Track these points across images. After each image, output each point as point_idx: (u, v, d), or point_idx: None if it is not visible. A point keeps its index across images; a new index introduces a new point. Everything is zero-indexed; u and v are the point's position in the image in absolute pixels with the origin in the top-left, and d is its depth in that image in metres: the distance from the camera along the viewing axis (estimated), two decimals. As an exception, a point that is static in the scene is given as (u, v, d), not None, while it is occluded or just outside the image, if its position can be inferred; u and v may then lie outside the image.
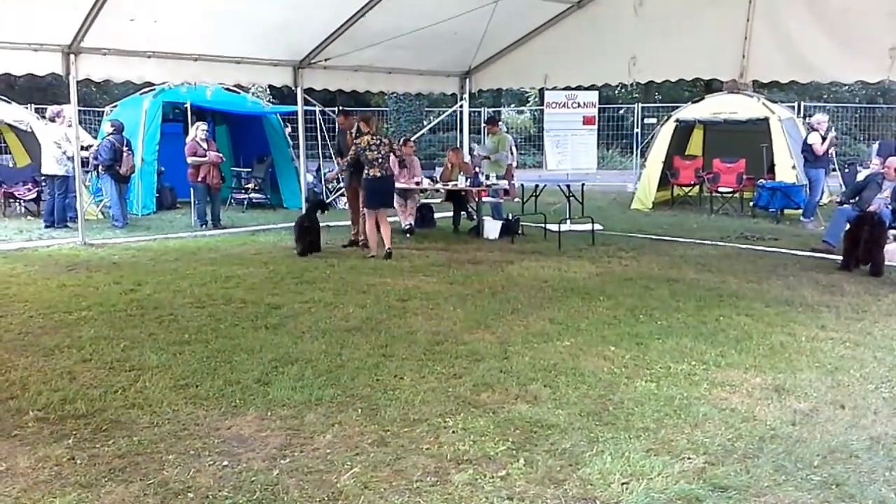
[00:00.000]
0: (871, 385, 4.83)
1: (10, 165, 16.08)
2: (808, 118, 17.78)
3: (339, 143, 10.99)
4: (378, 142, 9.47)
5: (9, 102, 14.85)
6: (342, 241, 10.93)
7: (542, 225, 11.36)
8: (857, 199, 9.72)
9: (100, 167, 12.44)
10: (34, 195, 13.71)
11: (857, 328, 6.19)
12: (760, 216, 13.63)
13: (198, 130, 12.46)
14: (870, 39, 8.46)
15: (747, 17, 9.40)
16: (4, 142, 17.38)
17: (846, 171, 15.00)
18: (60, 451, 3.81)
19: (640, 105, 23.13)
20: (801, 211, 13.04)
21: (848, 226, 8.95)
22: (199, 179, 12.28)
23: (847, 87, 26.20)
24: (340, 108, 12.14)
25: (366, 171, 9.44)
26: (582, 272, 8.52)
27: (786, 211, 13.36)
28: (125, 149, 12.31)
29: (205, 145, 12.40)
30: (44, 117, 13.49)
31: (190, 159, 12.30)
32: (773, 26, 9.25)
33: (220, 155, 12.86)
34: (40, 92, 24.17)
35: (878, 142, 17.67)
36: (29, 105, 18.17)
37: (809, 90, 25.50)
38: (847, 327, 6.21)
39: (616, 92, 26.62)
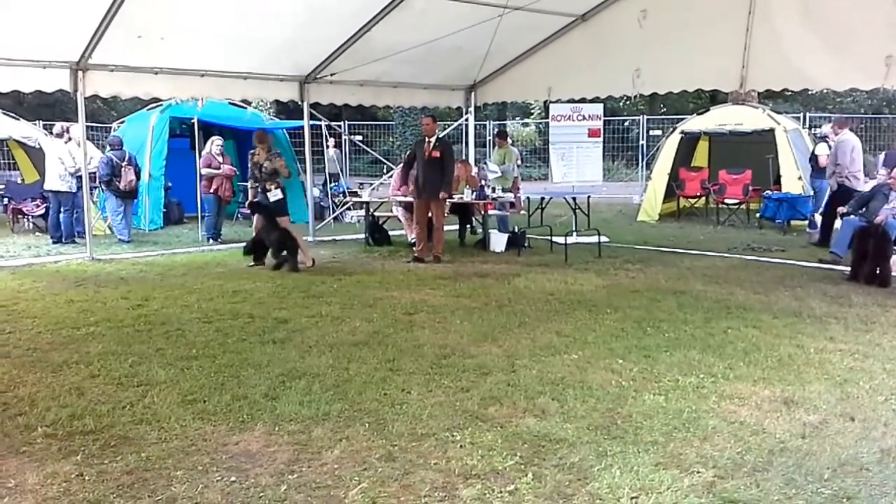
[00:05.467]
0: (881, 397, 4.81)
1: (19, 181, 16.17)
2: (813, 129, 17.82)
3: (414, 151, 10.71)
4: (273, 158, 9.99)
5: (17, 119, 14.98)
6: (346, 254, 10.98)
7: (549, 237, 11.36)
8: (864, 209, 9.69)
9: (101, 183, 12.50)
10: (42, 211, 13.77)
11: (865, 339, 6.16)
12: (767, 227, 13.62)
13: (213, 145, 12.58)
14: (866, 48, 8.53)
15: (747, 28, 9.47)
16: (13, 158, 17.52)
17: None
18: (69, 467, 3.81)
19: (646, 117, 23.15)
20: (807, 222, 13.03)
21: (854, 237, 8.94)
22: (212, 191, 12.36)
23: (852, 98, 26.20)
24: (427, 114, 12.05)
25: (265, 185, 9.92)
26: (589, 284, 8.51)
27: (792, 222, 13.35)
28: (124, 164, 12.33)
29: (220, 158, 12.50)
30: (51, 133, 13.58)
31: (204, 171, 12.40)
32: (771, 36, 9.33)
33: (234, 169, 12.95)
34: (48, 108, 24.35)
35: (884, 152, 17.65)
36: (37, 121, 18.31)
37: (814, 101, 25.52)
38: (856, 339, 6.18)
39: (621, 104, 26.70)
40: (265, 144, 10.07)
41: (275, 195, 9.94)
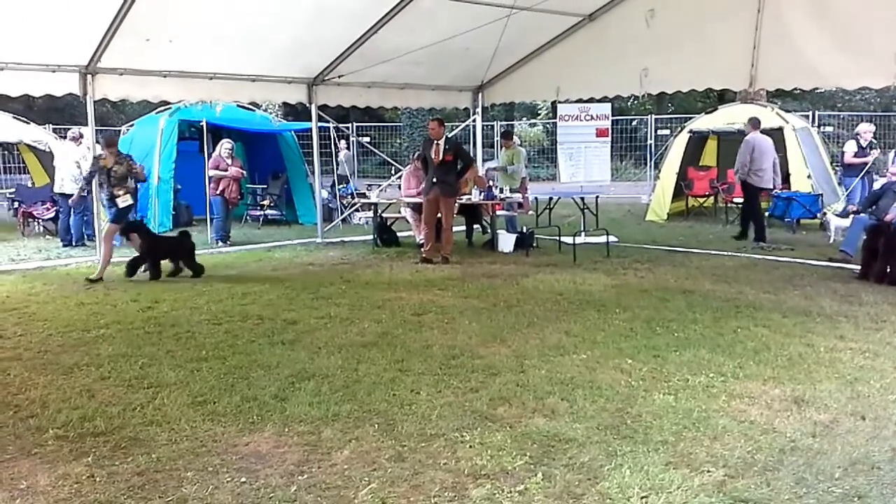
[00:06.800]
0: (892, 396, 4.78)
1: (29, 185, 16.27)
2: (822, 127, 17.78)
3: (424, 154, 10.70)
4: (123, 161, 9.35)
5: (27, 123, 15.06)
6: (355, 255, 11.00)
7: (557, 238, 11.34)
8: (873, 208, 9.65)
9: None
10: (52, 214, 13.85)
11: (876, 338, 6.13)
12: (776, 226, 13.56)
13: (221, 148, 12.65)
14: (875, 46, 8.50)
15: (756, 27, 9.43)
16: (23, 161, 17.62)
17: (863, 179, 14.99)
18: (80, 468, 3.83)
19: (654, 116, 23.10)
20: (817, 221, 13.01)
21: (865, 236, 8.90)
22: (218, 193, 12.41)
23: (861, 96, 26.09)
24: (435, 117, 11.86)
25: (113, 191, 9.26)
26: (597, 284, 8.50)
27: (801, 220, 13.29)
28: None
29: (229, 161, 12.55)
30: (63, 137, 13.65)
31: (211, 172, 12.46)
32: (780, 34, 9.30)
33: (242, 171, 12.99)
34: (58, 112, 24.47)
35: (894, 150, 17.59)
36: (47, 125, 18.41)
37: (823, 99, 25.40)
38: (866, 337, 6.15)
39: (629, 104, 26.63)
40: (113, 148, 9.42)
41: (124, 201, 9.29)
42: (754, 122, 12.31)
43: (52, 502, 3.50)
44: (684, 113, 22.76)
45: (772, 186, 12.41)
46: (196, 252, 9.62)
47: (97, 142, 10.83)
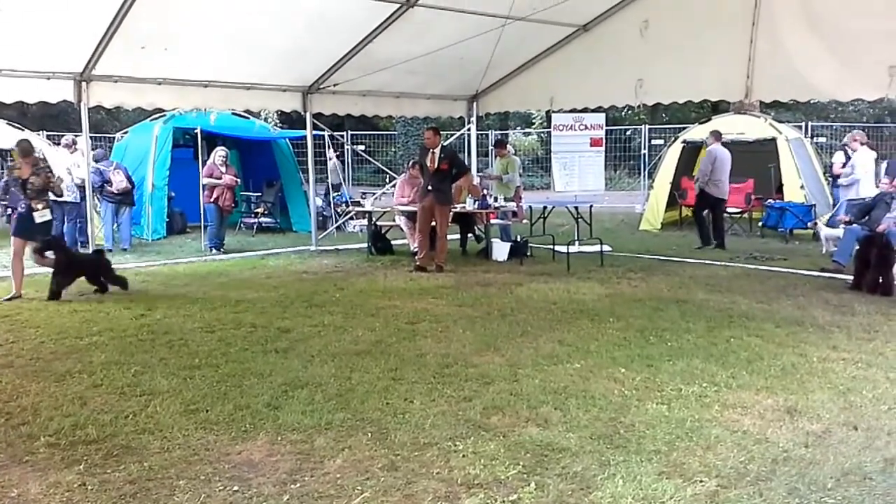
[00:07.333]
0: (884, 406, 4.80)
1: (22, 192, 16.20)
2: (815, 138, 17.86)
3: (420, 162, 10.77)
4: (40, 173, 8.75)
5: (21, 130, 14.98)
6: (349, 263, 11.00)
7: (551, 246, 11.36)
8: (866, 218, 9.69)
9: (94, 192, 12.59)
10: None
11: (868, 348, 6.15)
12: (769, 236, 13.61)
13: (215, 156, 12.65)
14: (870, 59, 8.57)
15: (751, 39, 9.49)
16: (17, 168, 17.52)
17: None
18: (71, 477, 3.81)
19: (647, 126, 23.16)
20: (810, 231, 13.05)
21: (857, 246, 8.94)
22: (212, 200, 12.42)
23: (854, 107, 26.21)
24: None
25: (31, 205, 8.61)
26: (591, 294, 8.51)
27: (795, 231, 13.34)
28: (112, 170, 12.53)
29: (223, 168, 12.56)
30: (57, 144, 13.64)
31: (205, 180, 12.47)
32: (776, 47, 9.36)
33: (237, 179, 13.00)
34: (52, 119, 24.41)
35: (886, 161, 17.68)
36: (41, 132, 18.37)
37: (816, 110, 25.50)
38: (859, 347, 6.17)
39: (623, 113, 26.69)
40: (30, 158, 8.71)
41: (42, 216, 8.63)
42: (716, 135, 12.81)
43: (42, 511, 3.48)
44: (678, 123, 22.82)
45: (726, 197, 12.78)
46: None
47: (93, 149, 10.84)
